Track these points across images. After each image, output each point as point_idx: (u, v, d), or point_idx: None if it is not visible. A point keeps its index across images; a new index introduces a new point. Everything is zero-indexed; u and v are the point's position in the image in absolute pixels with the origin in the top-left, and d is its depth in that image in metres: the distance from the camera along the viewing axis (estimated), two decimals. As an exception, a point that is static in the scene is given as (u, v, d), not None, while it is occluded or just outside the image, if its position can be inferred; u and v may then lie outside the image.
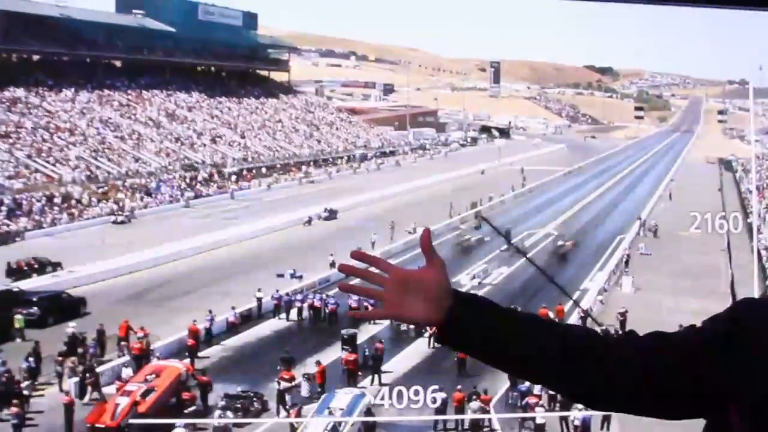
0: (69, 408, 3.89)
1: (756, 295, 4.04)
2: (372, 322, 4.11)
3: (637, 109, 6.30)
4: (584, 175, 5.62)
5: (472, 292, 3.28)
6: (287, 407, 3.97)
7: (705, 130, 5.92)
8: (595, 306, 4.81)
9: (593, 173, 5.67)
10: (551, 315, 4.31)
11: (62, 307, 4.32)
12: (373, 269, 1.45)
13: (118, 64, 4.82)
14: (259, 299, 4.30)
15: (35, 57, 4.72)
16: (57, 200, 4.32)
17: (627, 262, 5.06)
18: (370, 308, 3.00)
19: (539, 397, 4.08)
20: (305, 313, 4.34)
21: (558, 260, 5.73)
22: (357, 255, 1.43)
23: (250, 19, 5.00)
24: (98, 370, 3.98)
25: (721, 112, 5.84)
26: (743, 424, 1.28)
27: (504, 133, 5.96)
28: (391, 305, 1.43)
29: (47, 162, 4.37)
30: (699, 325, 1.51)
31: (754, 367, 1.31)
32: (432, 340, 3.89)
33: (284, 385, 4.03)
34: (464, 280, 4.14)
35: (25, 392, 3.98)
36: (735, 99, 5.45)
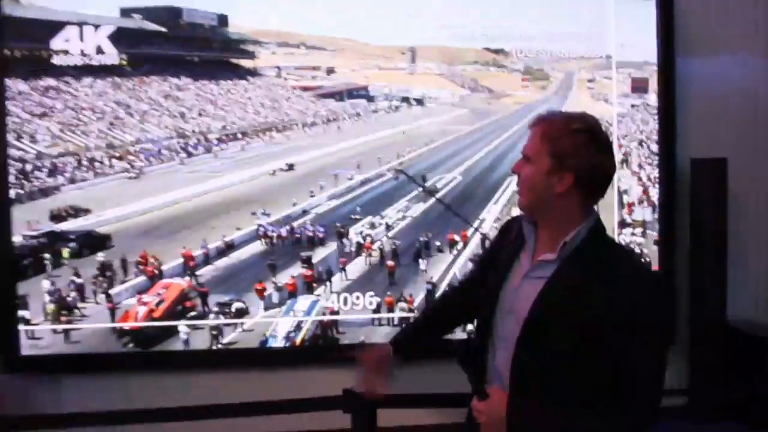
0: (112, 312, 4.12)
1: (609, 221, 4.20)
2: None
3: (523, 80, 6.72)
4: (482, 132, 6.04)
5: (397, 221, 4.69)
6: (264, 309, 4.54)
7: (577, 95, 6.38)
8: (492, 231, 5.32)
9: (489, 131, 6.10)
10: (457, 239, 5.05)
11: (93, 242, 4.83)
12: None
13: (124, 57, 5.05)
14: (258, 225, 4.84)
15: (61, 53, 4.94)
16: (84, 162, 4.66)
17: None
18: (320, 235, 4.55)
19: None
20: (275, 241, 4.93)
21: None
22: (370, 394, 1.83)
23: (222, 19, 5.23)
24: (123, 287, 4.61)
25: (590, 81, 6.31)
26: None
27: (420, 102, 6.38)
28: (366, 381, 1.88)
29: (75, 134, 4.67)
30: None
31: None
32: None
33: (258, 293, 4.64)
34: (391, 213, 4.44)
35: (71, 305, 4.54)
36: (601, 70, 5.91)
